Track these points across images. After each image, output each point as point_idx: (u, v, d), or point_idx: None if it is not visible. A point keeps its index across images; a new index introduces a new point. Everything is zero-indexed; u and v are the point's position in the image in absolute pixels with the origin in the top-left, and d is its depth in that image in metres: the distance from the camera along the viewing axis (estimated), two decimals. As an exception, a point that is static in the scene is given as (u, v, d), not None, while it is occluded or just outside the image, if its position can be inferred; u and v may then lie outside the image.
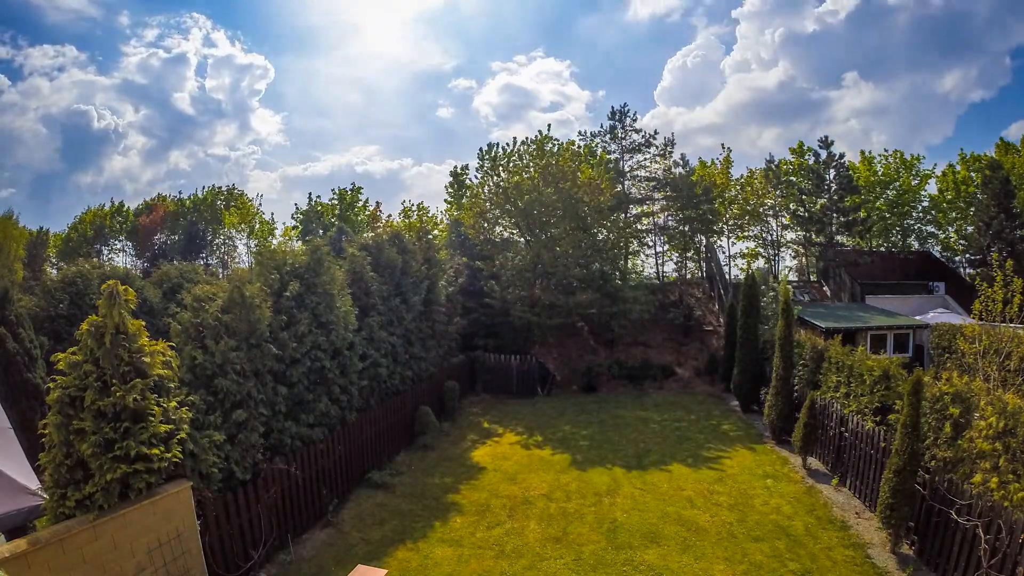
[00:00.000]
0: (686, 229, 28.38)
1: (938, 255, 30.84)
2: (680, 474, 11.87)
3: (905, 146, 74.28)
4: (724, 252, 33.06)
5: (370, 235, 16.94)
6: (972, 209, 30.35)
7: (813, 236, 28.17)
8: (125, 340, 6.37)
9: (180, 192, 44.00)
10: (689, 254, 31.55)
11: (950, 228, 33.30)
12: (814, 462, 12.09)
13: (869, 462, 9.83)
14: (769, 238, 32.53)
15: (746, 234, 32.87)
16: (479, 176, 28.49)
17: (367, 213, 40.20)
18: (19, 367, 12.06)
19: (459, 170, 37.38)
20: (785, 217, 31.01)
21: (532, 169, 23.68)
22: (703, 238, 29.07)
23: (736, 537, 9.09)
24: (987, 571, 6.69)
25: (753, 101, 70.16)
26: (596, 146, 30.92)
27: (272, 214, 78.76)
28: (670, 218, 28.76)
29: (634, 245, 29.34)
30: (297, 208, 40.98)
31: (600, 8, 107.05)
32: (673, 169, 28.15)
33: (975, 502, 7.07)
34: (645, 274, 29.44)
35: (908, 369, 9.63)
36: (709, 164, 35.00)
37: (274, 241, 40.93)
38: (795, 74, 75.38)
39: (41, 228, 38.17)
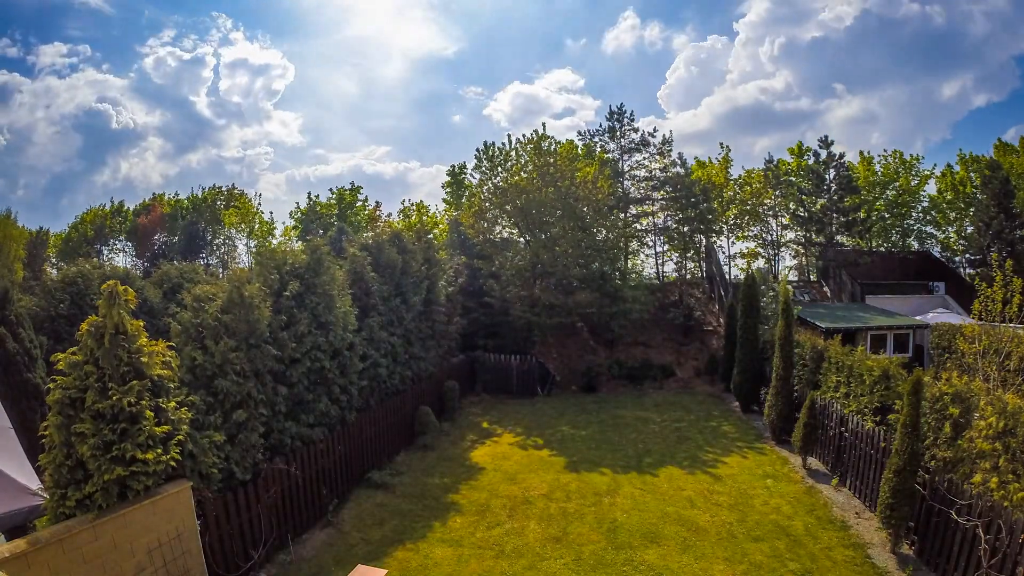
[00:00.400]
0: (685, 229, 28.37)
1: (938, 255, 30.83)
2: (680, 474, 11.87)
3: (904, 148, 74.29)
4: (724, 252, 33.06)
5: (370, 235, 16.94)
6: (972, 209, 30.37)
7: (813, 236, 28.19)
8: (124, 340, 6.37)
9: (176, 193, 43.73)
10: (689, 254, 31.54)
11: (950, 228, 33.32)
12: (814, 462, 12.09)
13: (869, 462, 9.83)
14: (769, 238, 32.55)
15: (746, 234, 32.90)
16: (477, 176, 28.51)
17: (367, 213, 40.20)
18: (19, 367, 12.05)
19: (457, 169, 37.33)
20: (785, 217, 31.03)
21: (530, 168, 23.70)
22: (703, 238, 29.05)
23: (736, 537, 9.09)
24: (987, 571, 6.69)
25: (749, 110, 70.38)
26: (595, 145, 30.93)
27: (271, 213, 79.12)
28: (669, 218, 28.77)
29: (634, 245, 29.36)
30: (297, 207, 41.02)
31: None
32: (671, 168, 28.16)
33: (975, 502, 7.07)
34: (645, 274, 29.45)
35: (908, 369, 9.62)
36: (707, 164, 35.02)
37: (274, 241, 40.91)
38: (792, 84, 75.73)
39: (41, 228, 38.17)
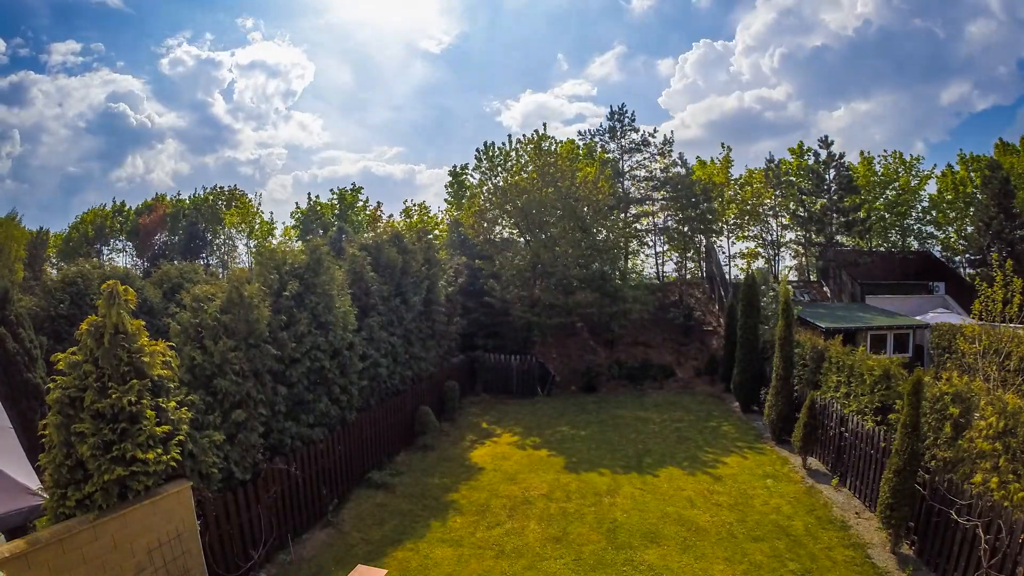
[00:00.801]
0: (685, 229, 28.39)
1: (938, 255, 30.83)
2: (680, 474, 11.86)
3: (904, 150, 74.28)
4: (724, 252, 33.09)
5: (370, 235, 16.94)
6: (972, 209, 30.36)
7: (813, 236, 28.21)
8: (124, 340, 6.37)
9: (179, 193, 43.83)
10: (689, 254, 31.57)
11: (950, 228, 33.30)
12: (814, 462, 12.09)
13: (869, 462, 9.83)
14: (769, 238, 32.57)
15: (746, 234, 32.92)
16: (477, 176, 28.49)
17: (367, 213, 40.20)
18: (19, 367, 12.05)
19: (458, 169, 37.35)
20: (785, 217, 31.04)
21: (531, 168, 23.69)
22: (703, 238, 29.07)
23: (736, 537, 9.09)
24: (987, 571, 6.69)
25: (743, 117, 70.57)
26: (596, 145, 30.94)
27: (272, 214, 79.11)
28: (669, 218, 28.78)
29: (634, 245, 29.37)
30: (297, 207, 41.04)
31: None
32: (672, 169, 28.17)
33: (975, 502, 7.07)
34: (645, 274, 29.45)
35: (908, 369, 9.63)
36: (708, 164, 35.02)
37: (274, 241, 40.91)
38: (792, 93, 75.84)
39: (41, 228, 38.23)
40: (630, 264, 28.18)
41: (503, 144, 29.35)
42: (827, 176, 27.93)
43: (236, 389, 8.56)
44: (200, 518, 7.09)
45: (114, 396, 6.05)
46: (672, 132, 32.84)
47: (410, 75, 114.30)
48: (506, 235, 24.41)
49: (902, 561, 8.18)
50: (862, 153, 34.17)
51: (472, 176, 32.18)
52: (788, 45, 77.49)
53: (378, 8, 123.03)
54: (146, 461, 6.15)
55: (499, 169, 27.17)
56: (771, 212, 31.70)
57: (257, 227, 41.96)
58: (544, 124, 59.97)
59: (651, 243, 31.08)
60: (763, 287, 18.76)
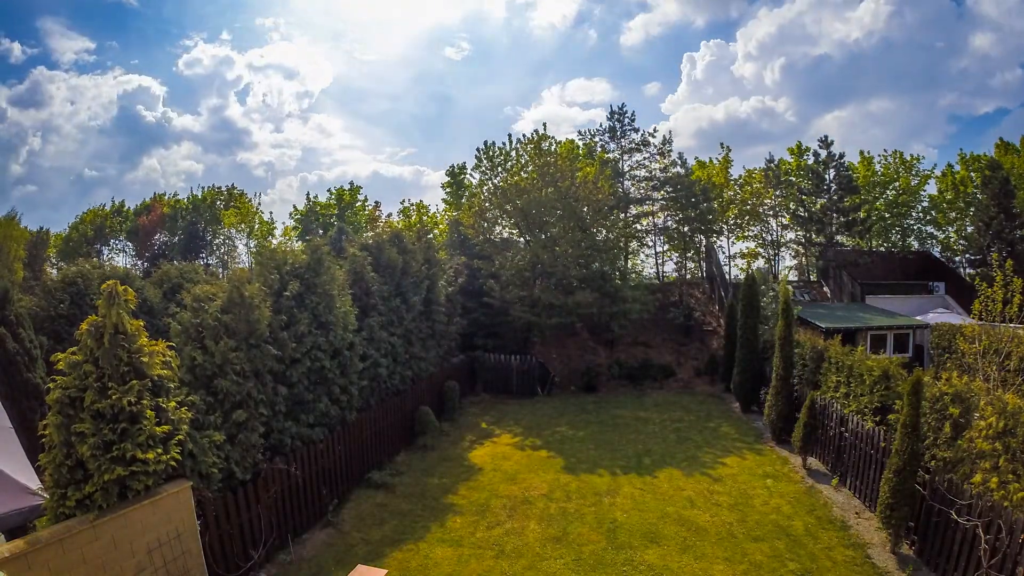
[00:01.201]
0: (685, 229, 28.39)
1: (938, 255, 30.82)
2: (680, 474, 11.86)
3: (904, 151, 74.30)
4: (724, 252, 33.11)
5: (370, 235, 16.94)
6: (972, 209, 30.36)
7: (813, 236, 28.21)
8: (124, 340, 6.37)
9: (176, 193, 43.77)
10: (689, 254, 31.56)
11: (950, 228, 33.29)
12: (814, 462, 12.09)
13: (869, 462, 9.83)
14: (769, 238, 32.57)
15: (746, 234, 32.91)
16: (477, 176, 28.47)
17: (366, 213, 40.19)
18: (19, 367, 12.04)
19: (457, 169, 37.31)
20: (785, 217, 31.04)
21: (530, 168, 23.69)
22: (703, 238, 29.08)
23: (736, 537, 9.09)
24: (987, 571, 6.69)
25: (748, 123, 70.61)
26: (595, 145, 30.92)
27: (271, 214, 79.04)
28: (669, 218, 28.79)
29: (634, 245, 29.37)
30: (295, 208, 41.03)
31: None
32: (672, 168, 28.18)
33: (975, 502, 7.07)
34: (645, 274, 29.45)
35: (908, 369, 9.63)
36: (708, 164, 35.01)
37: (274, 241, 40.91)
38: (791, 100, 75.89)
39: (41, 228, 38.21)
40: (630, 264, 28.19)
41: (503, 144, 29.28)
42: (827, 176, 27.93)
43: (237, 389, 8.56)
44: (200, 518, 7.09)
45: (114, 396, 6.05)
46: (670, 133, 32.71)
47: (428, 79, 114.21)
48: (506, 235, 24.41)
49: (902, 561, 8.18)
50: (862, 153, 34.17)
51: (472, 176, 32.18)
52: (790, 56, 77.51)
53: (401, 10, 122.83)
54: (146, 461, 6.15)
55: (499, 169, 27.13)
56: (771, 212, 31.70)
57: (257, 227, 41.95)
58: (544, 124, 59.91)
59: (651, 243, 31.11)
60: (763, 287, 18.75)
